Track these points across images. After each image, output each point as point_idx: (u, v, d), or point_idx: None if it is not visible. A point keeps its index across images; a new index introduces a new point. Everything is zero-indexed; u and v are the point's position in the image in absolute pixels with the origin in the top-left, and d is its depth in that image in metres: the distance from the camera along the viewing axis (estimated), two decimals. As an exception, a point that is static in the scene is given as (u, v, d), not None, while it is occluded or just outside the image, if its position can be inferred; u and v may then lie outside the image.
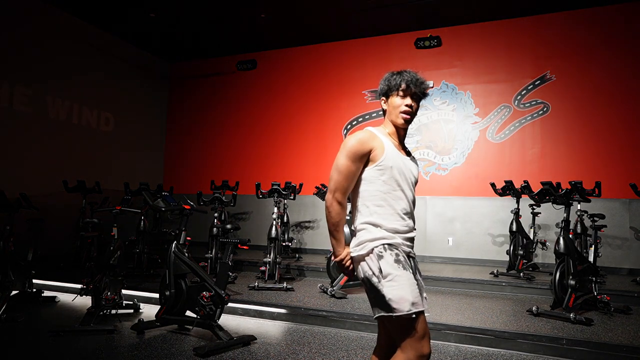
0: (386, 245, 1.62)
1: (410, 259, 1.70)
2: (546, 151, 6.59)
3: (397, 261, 1.60)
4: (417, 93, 1.71)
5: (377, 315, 1.61)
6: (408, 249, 1.70)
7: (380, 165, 1.66)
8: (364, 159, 1.67)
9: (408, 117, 1.71)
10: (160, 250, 6.01)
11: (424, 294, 1.66)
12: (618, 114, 6.27)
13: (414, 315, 1.54)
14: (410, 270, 1.63)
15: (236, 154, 8.49)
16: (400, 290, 1.55)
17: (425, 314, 1.62)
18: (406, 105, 1.70)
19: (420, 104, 1.78)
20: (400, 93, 1.71)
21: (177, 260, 3.44)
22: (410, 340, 1.55)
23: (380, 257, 1.61)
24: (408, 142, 6.43)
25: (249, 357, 2.92)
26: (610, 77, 6.35)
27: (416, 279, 1.65)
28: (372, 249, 1.63)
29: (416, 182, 1.78)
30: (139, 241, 5.43)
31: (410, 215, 1.72)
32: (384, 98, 1.78)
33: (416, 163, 1.82)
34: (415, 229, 1.75)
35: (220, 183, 7.05)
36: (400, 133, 1.78)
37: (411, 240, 1.72)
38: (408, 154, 1.81)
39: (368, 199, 1.68)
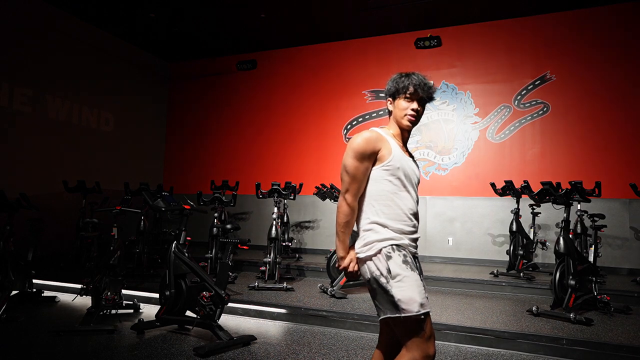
0: (394, 246, 1.62)
1: (416, 260, 1.72)
2: (546, 151, 6.59)
3: (405, 262, 1.61)
4: (424, 97, 1.72)
5: (384, 317, 1.61)
6: (414, 250, 1.71)
7: (387, 166, 1.66)
8: (371, 158, 1.66)
9: (414, 119, 1.72)
10: (160, 250, 6.01)
11: (426, 294, 1.67)
12: (618, 114, 6.26)
13: (422, 317, 1.56)
14: (417, 271, 1.64)
15: (236, 154, 8.49)
16: (409, 291, 1.56)
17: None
18: (412, 110, 1.70)
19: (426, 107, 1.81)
20: (408, 96, 1.70)
21: (177, 260, 3.44)
22: (417, 340, 1.56)
23: (388, 257, 1.61)
24: (408, 142, 6.38)
25: (249, 357, 2.92)
26: (610, 77, 6.35)
27: (421, 280, 1.67)
28: (381, 250, 1.62)
29: (418, 183, 1.79)
30: (139, 241, 5.42)
31: (416, 215, 1.73)
32: (390, 99, 1.77)
33: (417, 164, 1.83)
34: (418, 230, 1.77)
35: (220, 183, 7.05)
36: (405, 135, 1.78)
37: (416, 240, 1.73)
38: (410, 155, 1.82)
39: (375, 198, 1.68)
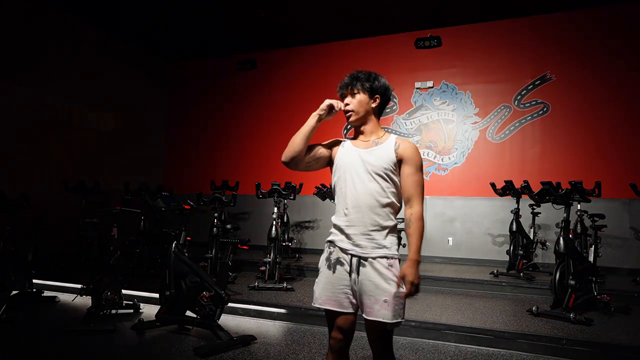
0: (327, 242, 1.78)
1: (353, 257, 1.67)
2: (546, 151, 6.58)
3: (327, 259, 1.75)
4: (350, 89, 1.81)
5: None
6: (348, 245, 1.68)
7: (334, 165, 1.82)
8: (327, 149, 1.85)
9: (348, 114, 1.82)
10: (160, 250, 6.00)
11: (335, 294, 1.69)
12: (618, 114, 6.26)
13: (323, 310, 1.73)
14: (332, 270, 1.70)
15: (236, 154, 8.48)
16: (315, 285, 1.75)
17: (403, 318, 1.71)
18: (345, 106, 1.82)
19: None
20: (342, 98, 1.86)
21: (177, 260, 3.44)
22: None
23: (324, 252, 1.78)
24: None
25: (249, 357, 2.92)
26: (610, 77, 6.35)
27: (352, 279, 1.67)
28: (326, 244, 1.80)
29: (385, 170, 1.70)
30: (139, 241, 5.42)
31: (356, 207, 1.68)
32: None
33: (389, 150, 1.73)
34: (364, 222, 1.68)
35: (220, 183, 7.04)
36: (357, 130, 1.86)
37: (352, 236, 1.68)
38: (378, 143, 1.77)
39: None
